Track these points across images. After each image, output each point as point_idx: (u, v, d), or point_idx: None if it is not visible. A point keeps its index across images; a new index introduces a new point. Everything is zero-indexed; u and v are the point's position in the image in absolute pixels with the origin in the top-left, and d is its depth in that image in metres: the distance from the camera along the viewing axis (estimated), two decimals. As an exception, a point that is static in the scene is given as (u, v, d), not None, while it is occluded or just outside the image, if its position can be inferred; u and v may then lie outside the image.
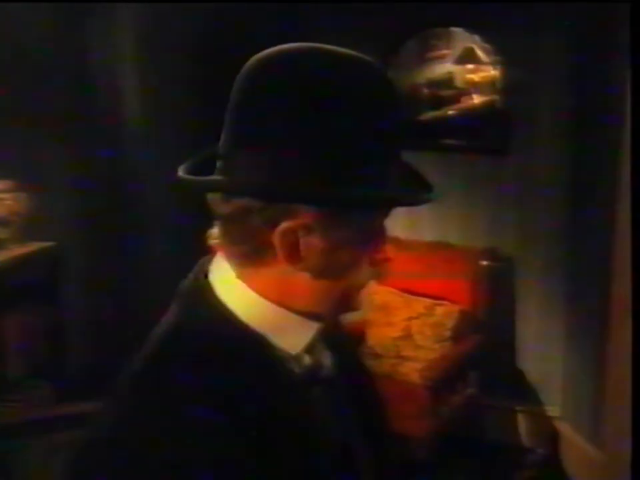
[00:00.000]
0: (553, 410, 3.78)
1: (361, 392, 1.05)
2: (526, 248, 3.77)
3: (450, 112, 3.82)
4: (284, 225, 0.83)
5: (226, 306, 0.89)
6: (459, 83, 3.76)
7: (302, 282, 0.87)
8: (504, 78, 3.65)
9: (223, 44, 3.72)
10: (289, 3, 3.83)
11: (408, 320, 3.66)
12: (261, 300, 0.89)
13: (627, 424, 2.95)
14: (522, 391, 3.85)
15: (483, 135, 3.78)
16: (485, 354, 3.68)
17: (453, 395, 3.53)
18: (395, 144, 0.89)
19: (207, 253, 1.00)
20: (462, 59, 3.73)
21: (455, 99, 3.79)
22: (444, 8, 3.62)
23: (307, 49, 0.86)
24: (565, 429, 3.69)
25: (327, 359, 0.97)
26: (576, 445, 3.56)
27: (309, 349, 0.93)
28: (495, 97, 3.70)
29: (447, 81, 3.79)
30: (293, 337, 0.91)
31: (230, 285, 0.90)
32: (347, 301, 0.92)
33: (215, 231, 0.93)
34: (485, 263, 3.72)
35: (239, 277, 0.89)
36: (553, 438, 3.74)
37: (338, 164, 0.83)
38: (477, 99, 3.75)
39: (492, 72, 3.68)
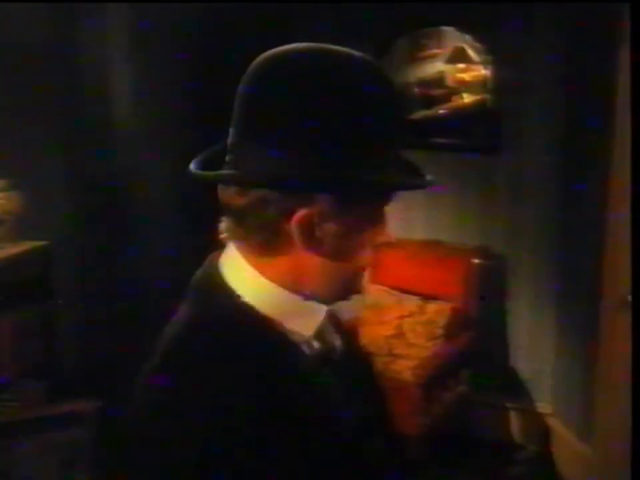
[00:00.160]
0: (544, 407, 3.80)
1: (366, 374, 1.13)
2: (517, 246, 3.79)
3: (441, 111, 3.83)
4: (301, 213, 0.88)
5: (241, 296, 0.93)
6: (449, 82, 3.78)
7: (314, 267, 0.93)
8: (495, 77, 3.66)
9: (215, 44, 3.74)
10: (281, 3, 3.84)
11: (400, 318, 3.67)
12: (275, 287, 0.94)
13: (617, 420, 2.98)
14: (513, 388, 3.87)
15: (473, 134, 3.80)
16: (476, 352, 3.70)
17: (445, 393, 3.55)
18: (396, 135, 0.95)
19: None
20: (453, 59, 3.75)
21: (445, 98, 3.81)
22: (435, 7, 3.63)
23: (313, 48, 0.92)
24: (556, 425, 3.70)
25: (337, 341, 1.04)
26: (567, 442, 3.58)
27: (319, 333, 0.99)
28: (486, 97, 3.71)
29: (438, 80, 3.80)
30: (305, 320, 0.97)
31: (244, 275, 0.94)
32: (353, 283, 0.98)
33: (223, 225, 0.96)
34: (476, 261, 3.73)
35: (253, 266, 0.94)
36: (544, 435, 3.76)
37: (346, 153, 0.88)
38: (467, 98, 3.76)
39: (483, 71, 3.70)
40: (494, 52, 3.64)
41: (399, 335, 3.64)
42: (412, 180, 1.00)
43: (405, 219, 3.74)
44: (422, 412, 3.26)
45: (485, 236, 3.84)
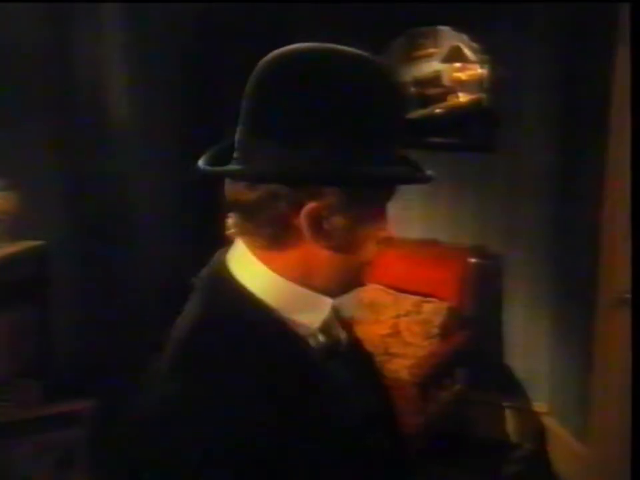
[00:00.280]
0: (540, 406, 3.81)
1: (370, 368, 1.16)
2: (513, 245, 3.80)
3: (437, 110, 3.84)
4: (310, 206, 0.90)
5: (249, 290, 0.95)
6: (446, 81, 3.78)
7: (322, 260, 0.96)
8: (491, 76, 3.67)
9: (213, 44, 3.74)
10: (277, 2, 3.84)
11: (396, 317, 3.68)
12: (283, 280, 0.96)
13: (613, 419, 2.99)
14: (509, 387, 3.88)
15: (470, 133, 3.80)
16: (472, 350, 3.71)
17: (441, 392, 3.55)
18: (400, 131, 0.98)
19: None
20: (449, 58, 3.75)
21: (442, 97, 3.81)
22: (431, 6, 3.64)
23: (320, 47, 0.95)
24: (552, 424, 3.71)
25: (342, 334, 1.06)
26: (563, 441, 3.59)
27: (324, 326, 1.01)
28: (482, 95, 3.72)
29: (434, 80, 3.80)
30: (312, 313, 0.99)
31: (252, 270, 0.96)
32: (358, 276, 1.01)
33: (230, 221, 0.98)
34: (472, 260, 3.74)
35: (261, 260, 0.96)
36: (540, 433, 3.77)
37: (353, 148, 0.92)
38: (463, 97, 3.77)
39: (479, 70, 3.70)
40: (490, 51, 3.64)
41: (395, 333, 3.65)
42: (416, 174, 1.02)
43: (401, 218, 3.74)
44: (418, 411, 3.27)
45: (481, 235, 3.85)
